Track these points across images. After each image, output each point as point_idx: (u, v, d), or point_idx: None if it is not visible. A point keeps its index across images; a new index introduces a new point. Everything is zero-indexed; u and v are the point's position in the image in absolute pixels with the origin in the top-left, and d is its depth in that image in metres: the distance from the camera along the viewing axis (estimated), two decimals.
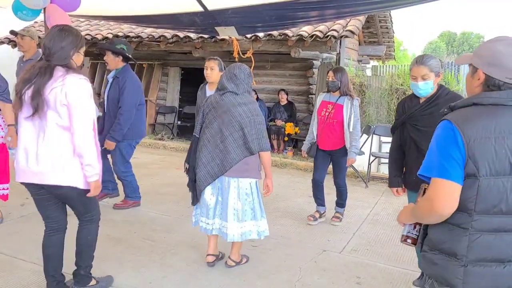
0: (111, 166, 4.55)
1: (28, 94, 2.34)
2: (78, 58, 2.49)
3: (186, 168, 3.24)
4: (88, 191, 2.47)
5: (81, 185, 2.45)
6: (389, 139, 7.64)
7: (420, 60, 2.70)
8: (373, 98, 8.57)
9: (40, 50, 4.96)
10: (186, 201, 4.35)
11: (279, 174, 6.42)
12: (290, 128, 8.29)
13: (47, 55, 2.38)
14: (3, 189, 3.89)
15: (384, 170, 7.82)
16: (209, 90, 4.02)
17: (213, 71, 3.91)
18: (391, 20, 10.84)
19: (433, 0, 3.74)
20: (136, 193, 4.66)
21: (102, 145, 4.05)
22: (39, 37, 8.15)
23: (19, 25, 5.04)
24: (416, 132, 2.79)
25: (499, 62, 1.50)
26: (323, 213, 4.42)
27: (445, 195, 1.47)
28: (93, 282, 2.76)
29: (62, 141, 2.37)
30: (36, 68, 2.36)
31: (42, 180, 2.39)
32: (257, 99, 8.92)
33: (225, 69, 3.98)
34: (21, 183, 2.48)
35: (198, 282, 3.05)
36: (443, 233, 1.54)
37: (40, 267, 3.10)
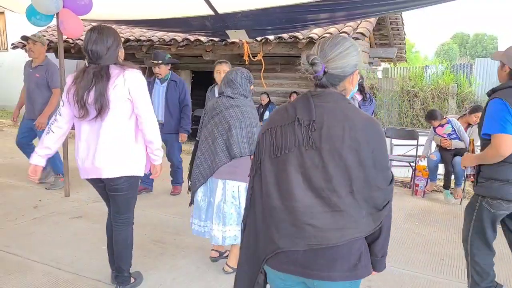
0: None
1: (90, 98, 2.45)
2: (121, 52, 2.66)
3: (189, 172, 3.27)
4: (138, 178, 2.71)
5: (137, 173, 2.65)
6: (401, 142, 7.64)
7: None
8: (384, 101, 8.51)
9: (48, 55, 5.08)
10: None
11: None
12: None
13: (97, 58, 2.48)
14: None
15: (396, 173, 7.76)
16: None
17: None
18: (402, 22, 10.79)
19: (445, 2, 3.71)
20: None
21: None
22: (50, 41, 8.24)
23: (32, 30, 5.12)
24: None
25: None
26: None
27: (506, 143, 2.34)
28: (132, 280, 2.92)
29: (117, 135, 2.53)
30: (90, 73, 2.46)
31: (101, 174, 2.57)
32: (269, 102, 8.93)
33: None
34: (86, 179, 2.68)
35: (207, 284, 3.05)
36: (495, 168, 2.43)
37: (53, 269, 3.15)
